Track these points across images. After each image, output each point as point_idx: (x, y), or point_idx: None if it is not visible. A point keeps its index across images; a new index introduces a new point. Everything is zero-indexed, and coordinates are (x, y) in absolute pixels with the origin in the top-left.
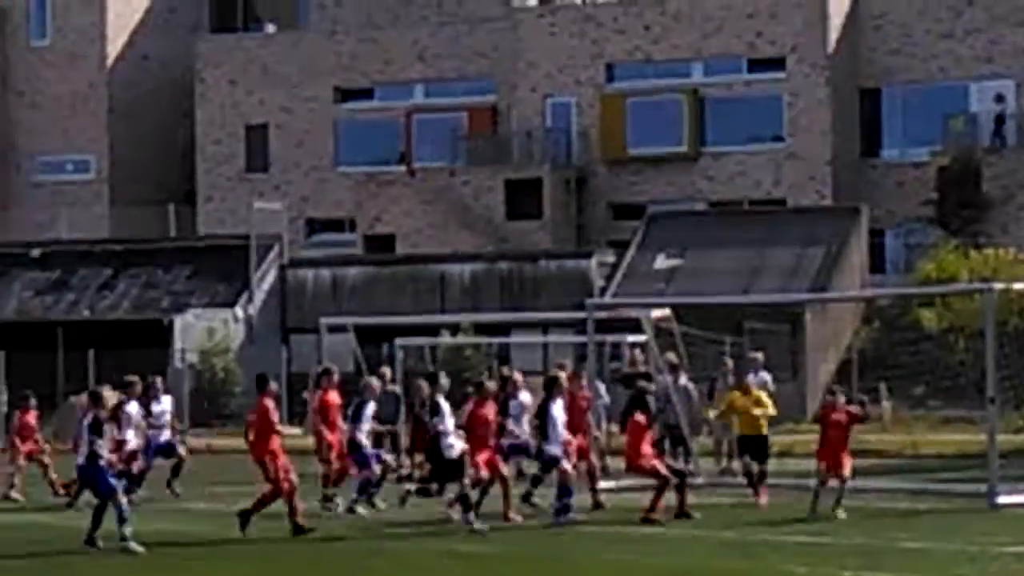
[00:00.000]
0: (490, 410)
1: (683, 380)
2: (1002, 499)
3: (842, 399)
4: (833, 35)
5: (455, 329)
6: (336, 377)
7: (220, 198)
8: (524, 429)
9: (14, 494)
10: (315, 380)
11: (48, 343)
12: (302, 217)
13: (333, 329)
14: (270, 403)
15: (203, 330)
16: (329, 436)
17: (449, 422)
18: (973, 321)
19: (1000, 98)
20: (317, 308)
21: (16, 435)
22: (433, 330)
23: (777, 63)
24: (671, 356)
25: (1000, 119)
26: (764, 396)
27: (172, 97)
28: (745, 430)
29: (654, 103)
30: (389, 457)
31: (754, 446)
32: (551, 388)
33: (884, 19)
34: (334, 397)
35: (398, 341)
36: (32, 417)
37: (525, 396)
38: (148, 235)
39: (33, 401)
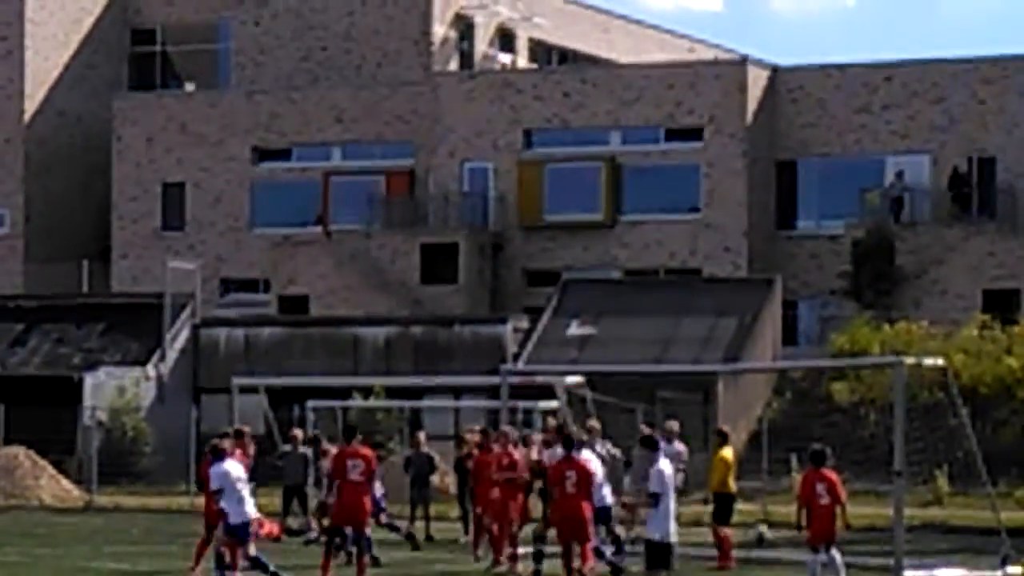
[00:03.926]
0: None
1: (599, 447)
2: (908, 574)
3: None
4: (751, 107)
5: (367, 392)
6: (248, 439)
7: (135, 256)
8: None
9: None
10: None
11: None
12: (216, 277)
13: (245, 390)
14: None
15: (114, 388)
16: None
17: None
18: (884, 395)
19: (899, 175)
20: (229, 368)
21: None
22: (345, 392)
23: (694, 133)
24: (593, 423)
25: (899, 199)
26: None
27: (89, 154)
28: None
29: (571, 170)
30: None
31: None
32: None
33: (801, 92)
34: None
35: (309, 403)
36: None
37: None
38: (61, 291)
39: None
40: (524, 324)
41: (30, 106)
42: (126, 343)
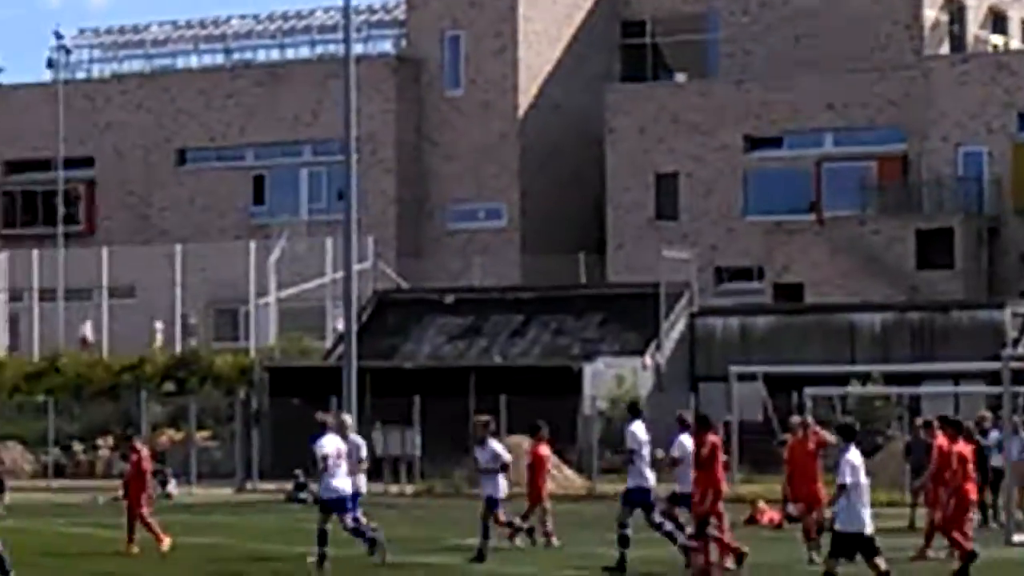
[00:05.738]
0: None
1: None
2: None
3: None
4: None
5: (865, 379)
6: (545, 432)
7: (630, 246)
8: None
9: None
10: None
11: (460, 388)
12: (711, 266)
13: (742, 377)
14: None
15: (613, 378)
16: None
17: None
18: None
19: None
20: (725, 356)
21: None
22: (842, 379)
23: None
24: None
25: None
26: None
27: (582, 146)
28: None
29: None
30: None
31: None
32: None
33: None
34: (544, 450)
35: (807, 390)
36: (543, 449)
37: None
38: (559, 282)
39: (544, 432)
40: (1023, 309)
41: (524, 101)
42: (623, 333)
